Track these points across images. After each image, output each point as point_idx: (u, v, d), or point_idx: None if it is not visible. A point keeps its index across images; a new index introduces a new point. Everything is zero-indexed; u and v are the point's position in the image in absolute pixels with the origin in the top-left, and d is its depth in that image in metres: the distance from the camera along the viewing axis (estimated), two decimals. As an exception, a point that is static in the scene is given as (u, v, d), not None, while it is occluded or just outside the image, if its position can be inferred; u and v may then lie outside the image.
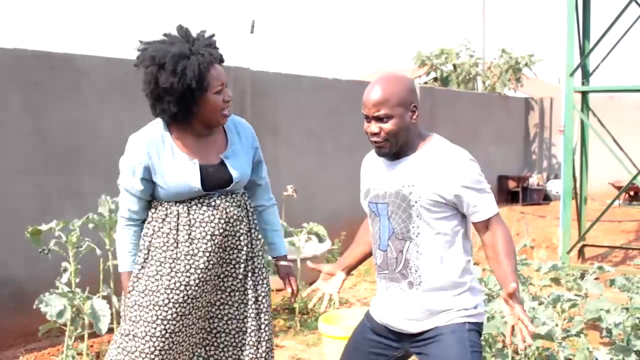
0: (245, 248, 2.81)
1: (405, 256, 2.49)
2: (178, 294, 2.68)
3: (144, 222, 2.78)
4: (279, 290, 6.56)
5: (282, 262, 3.09)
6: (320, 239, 5.99)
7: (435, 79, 15.45)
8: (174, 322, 2.68)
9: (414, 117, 2.48)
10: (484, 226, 2.48)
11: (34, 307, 3.96)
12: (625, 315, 4.31)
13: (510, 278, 2.38)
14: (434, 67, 15.35)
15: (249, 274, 2.84)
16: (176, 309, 2.68)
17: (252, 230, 2.87)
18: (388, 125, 2.44)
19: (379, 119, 2.44)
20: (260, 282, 2.88)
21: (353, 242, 2.90)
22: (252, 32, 8.30)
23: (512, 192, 13.76)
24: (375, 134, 2.47)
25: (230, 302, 2.81)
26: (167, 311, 2.67)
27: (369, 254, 2.82)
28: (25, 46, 5.22)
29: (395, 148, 2.49)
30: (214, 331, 2.81)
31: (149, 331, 2.67)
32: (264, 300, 2.88)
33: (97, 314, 3.90)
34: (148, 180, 2.69)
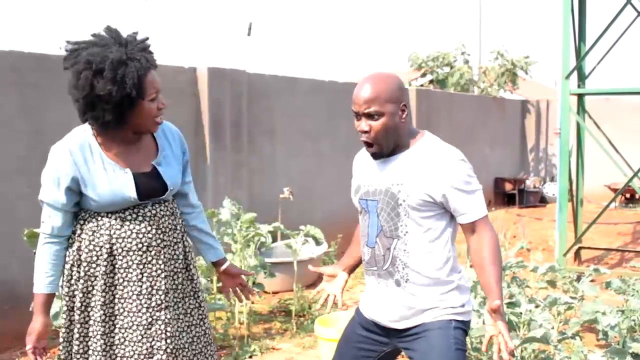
0: (181, 256, 2.75)
1: (393, 254, 2.51)
2: (113, 307, 2.60)
3: (67, 239, 2.62)
4: (275, 292, 6.57)
5: (227, 264, 2.98)
6: (317, 242, 5.99)
7: (431, 82, 15.47)
8: (113, 336, 2.60)
9: (404, 115, 2.49)
10: (470, 228, 2.47)
11: (30, 309, 3.94)
12: (621, 318, 4.32)
13: (494, 290, 2.38)
14: (429, 70, 15.36)
15: (188, 283, 2.77)
16: (113, 322, 2.60)
17: (185, 238, 2.80)
18: (378, 123, 2.45)
19: (369, 116, 2.45)
20: (199, 288, 2.82)
21: (351, 242, 2.90)
22: (249, 34, 8.30)
23: (508, 194, 13.77)
24: (365, 132, 2.48)
25: (175, 316, 2.71)
26: (104, 326, 2.59)
27: None
28: (22, 48, 5.22)
29: (386, 149, 2.50)
30: (172, 351, 2.68)
31: (91, 346, 2.61)
32: (203, 306, 2.83)
33: (92, 317, 3.87)
34: (74, 191, 2.55)
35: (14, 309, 5.03)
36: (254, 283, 5.55)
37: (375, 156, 2.54)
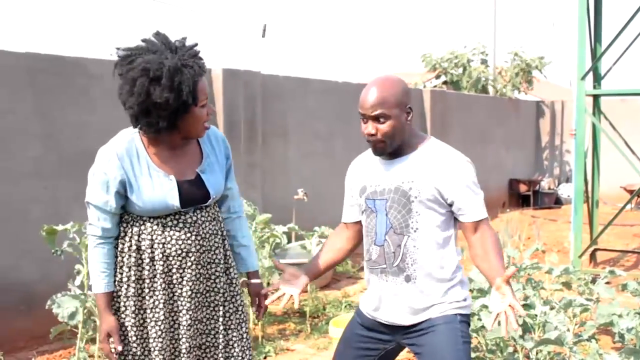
0: (222, 261, 2.76)
1: (403, 250, 2.58)
2: (158, 312, 2.64)
3: (116, 238, 2.66)
4: (289, 293, 6.56)
5: (254, 280, 2.94)
6: (331, 243, 5.99)
7: (445, 82, 15.44)
8: (160, 340, 2.65)
9: (409, 118, 2.58)
10: (473, 228, 2.57)
11: (46, 307, 3.97)
12: (637, 320, 4.28)
13: (500, 270, 2.45)
14: (444, 71, 15.33)
15: (227, 287, 2.79)
16: (159, 326, 2.64)
17: (225, 242, 2.81)
18: (384, 126, 2.52)
19: (376, 119, 2.53)
20: (237, 292, 2.83)
21: (321, 249, 2.91)
22: (263, 36, 8.31)
23: (523, 195, 13.72)
24: (372, 135, 2.55)
25: (215, 317, 2.75)
26: (152, 327, 2.64)
27: (337, 262, 2.91)
28: (37, 50, 5.25)
29: (391, 148, 2.57)
30: (204, 346, 2.75)
31: (151, 346, 2.65)
32: (242, 310, 2.84)
33: (108, 317, 3.89)
34: (121, 195, 2.58)
35: (29, 309, 5.07)
36: (268, 284, 5.56)
37: (383, 155, 2.61)
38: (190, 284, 2.67)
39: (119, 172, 2.55)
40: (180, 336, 2.69)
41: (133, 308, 2.64)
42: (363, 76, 17.87)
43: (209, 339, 2.76)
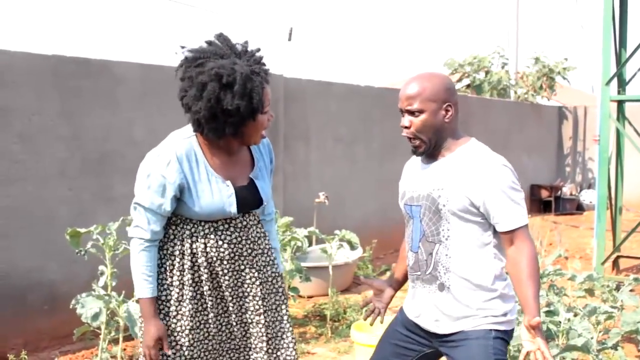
0: (270, 263, 2.77)
1: (435, 259, 2.52)
2: (207, 315, 2.64)
3: (159, 240, 2.63)
4: (309, 297, 6.57)
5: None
6: (352, 247, 5.99)
7: (468, 86, 15.37)
8: (207, 342, 2.66)
9: (448, 116, 2.49)
10: (509, 238, 2.44)
11: (70, 306, 4.00)
12: (662, 329, 4.24)
13: (531, 305, 2.35)
14: (466, 75, 15.27)
15: (279, 287, 2.80)
16: (207, 328, 2.65)
17: (270, 244, 2.80)
18: (418, 120, 2.47)
19: (411, 113, 2.48)
20: (285, 295, 2.84)
21: (398, 257, 2.93)
22: (289, 39, 8.33)
23: (544, 201, 13.63)
24: (406, 127, 2.51)
25: (272, 321, 2.76)
26: (198, 333, 2.64)
27: None
28: (64, 52, 5.30)
29: (429, 147, 2.51)
30: (248, 348, 2.76)
31: (203, 349, 2.67)
32: (288, 313, 2.84)
33: (132, 318, 3.92)
34: (178, 199, 2.54)
35: (52, 309, 5.12)
36: (289, 287, 5.57)
37: (417, 152, 2.56)
38: (245, 286, 2.67)
39: (179, 176, 2.51)
40: (226, 338, 2.70)
41: (192, 312, 2.62)
42: (386, 80, 17.85)
43: (255, 342, 2.75)
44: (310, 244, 6.77)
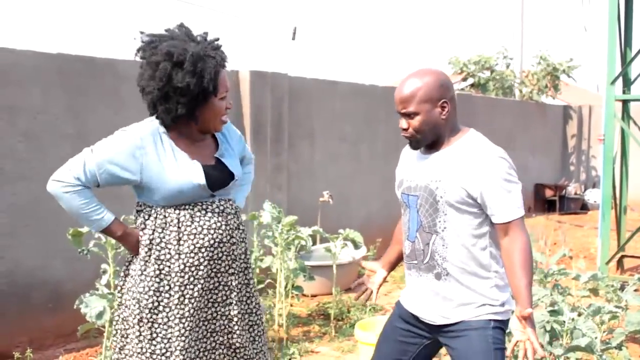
0: (243, 256, 2.77)
1: (432, 249, 2.55)
2: (183, 309, 2.61)
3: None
4: (313, 295, 6.57)
5: None
6: (356, 246, 5.98)
7: (472, 85, 15.35)
8: (183, 339, 2.61)
9: (444, 112, 2.51)
10: (503, 229, 2.46)
11: (75, 307, 4.01)
12: (667, 328, 4.23)
13: (523, 295, 2.39)
14: (470, 74, 15.25)
15: (243, 286, 2.79)
16: (183, 324, 2.61)
17: (246, 238, 2.82)
18: (415, 122, 2.50)
19: (407, 115, 2.51)
20: (253, 293, 2.83)
21: (392, 240, 2.95)
22: (293, 38, 8.33)
23: (548, 200, 13.60)
24: (404, 129, 2.55)
25: (241, 313, 2.76)
26: (183, 325, 2.60)
27: None
28: (69, 51, 5.31)
29: (426, 142, 2.55)
30: (233, 347, 2.75)
31: (171, 347, 2.61)
32: (259, 304, 2.85)
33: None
34: (114, 179, 2.55)
35: (57, 307, 5.13)
36: (293, 286, 5.57)
37: (418, 148, 2.61)
38: (218, 275, 2.66)
39: (139, 153, 2.53)
40: (201, 334, 2.67)
41: (151, 306, 2.59)
42: (390, 79, 17.82)
43: (222, 339, 2.73)
44: (314, 243, 6.78)
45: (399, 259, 2.89)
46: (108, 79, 5.51)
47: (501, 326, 2.56)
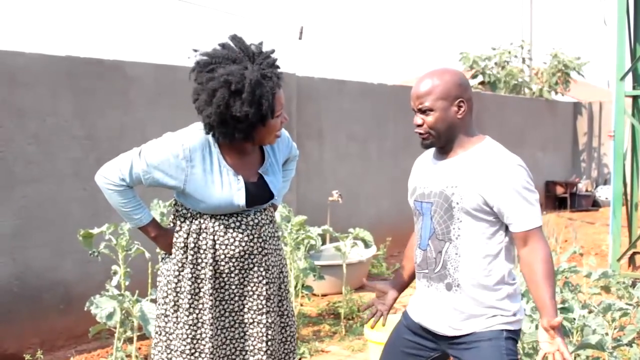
0: (279, 263, 2.79)
1: (444, 257, 2.48)
2: (218, 310, 2.65)
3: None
4: (323, 295, 6.58)
5: None
6: (366, 245, 5.97)
7: (482, 83, 15.29)
8: (218, 337, 2.66)
9: (460, 112, 2.46)
10: (522, 239, 2.40)
11: (85, 309, 4.03)
12: (678, 325, 4.20)
13: (548, 306, 2.33)
14: (481, 70, 15.18)
15: (283, 287, 2.82)
16: (220, 324, 2.66)
17: (281, 245, 2.83)
18: (430, 118, 2.46)
19: (423, 111, 2.47)
20: (287, 297, 2.85)
21: (404, 257, 2.89)
22: (300, 38, 8.33)
23: (559, 198, 13.55)
24: (418, 126, 2.50)
25: (275, 321, 2.77)
26: (212, 329, 2.64)
27: None
28: (77, 53, 5.33)
29: (440, 142, 2.50)
30: (248, 349, 2.76)
31: (199, 348, 2.65)
32: (290, 308, 2.86)
33: (146, 317, 3.94)
34: (157, 184, 2.58)
35: (68, 308, 5.15)
36: (303, 285, 5.57)
37: (430, 147, 2.56)
38: (251, 284, 2.68)
39: (185, 164, 2.55)
40: (227, 337, 2.71)
41: (187, 305, 2.63)
42: (399, 78, 17.80)
43: (253, 344, 2.75)
44: (323, 243, 6.78)
45: (411, 279, 2.82)
46: (117, 81, 5.53)
47: (514, 336, 2.49)
